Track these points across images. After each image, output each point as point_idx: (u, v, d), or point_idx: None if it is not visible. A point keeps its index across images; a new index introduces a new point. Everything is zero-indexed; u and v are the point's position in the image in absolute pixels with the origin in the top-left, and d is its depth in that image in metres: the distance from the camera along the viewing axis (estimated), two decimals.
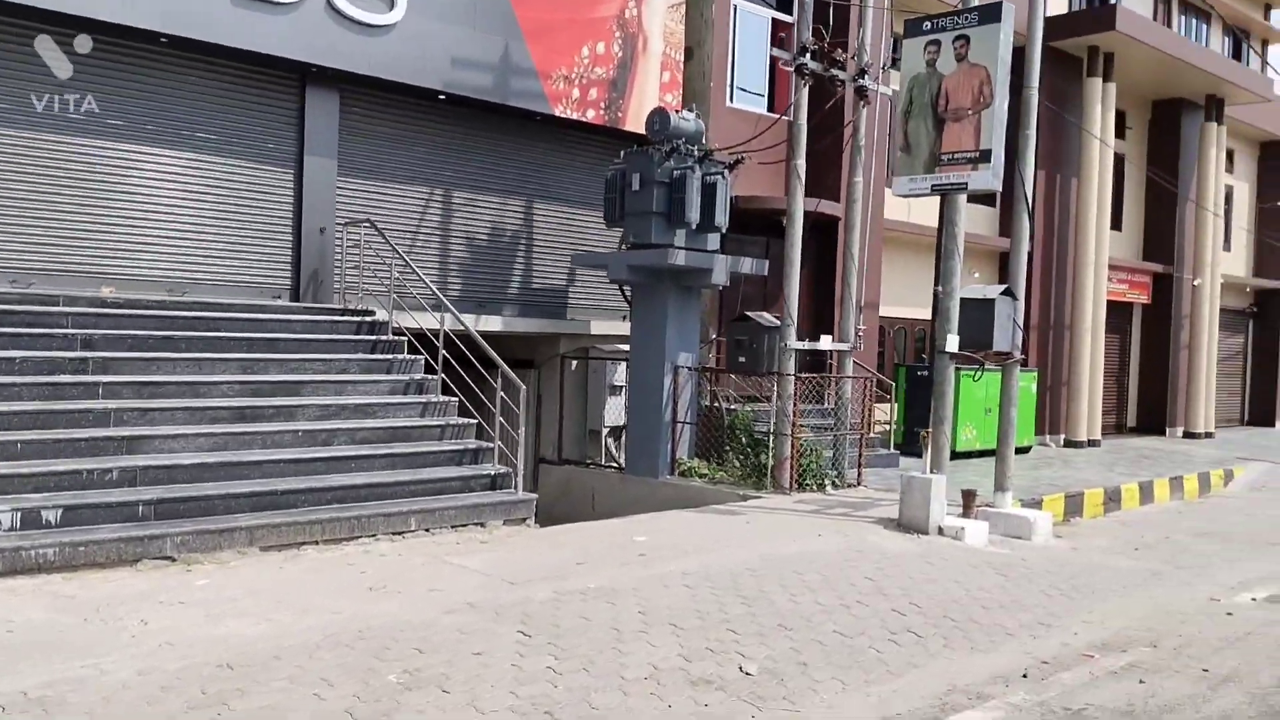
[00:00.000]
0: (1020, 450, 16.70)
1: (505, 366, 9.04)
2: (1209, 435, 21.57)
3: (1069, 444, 18.34)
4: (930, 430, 9.78)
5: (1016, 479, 13.50)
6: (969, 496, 10.15)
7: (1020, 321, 10.34)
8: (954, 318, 9.73)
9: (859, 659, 5.95)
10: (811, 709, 5.21)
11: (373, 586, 6.62)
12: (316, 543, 7.52)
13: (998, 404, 16.80)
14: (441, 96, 11.60)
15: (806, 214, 13.45)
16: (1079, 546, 10.10)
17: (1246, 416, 25.87)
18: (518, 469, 8.94)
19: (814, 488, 11.35)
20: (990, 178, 9.09)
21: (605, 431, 13.45)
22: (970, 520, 9.75)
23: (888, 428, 16.13)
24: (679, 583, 7.09)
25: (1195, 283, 21.55)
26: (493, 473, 8.94)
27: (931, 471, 9.66)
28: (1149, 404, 22.05)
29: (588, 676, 5.29)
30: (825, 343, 11.63)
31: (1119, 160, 21.24)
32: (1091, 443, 18.50)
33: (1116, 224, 21.46)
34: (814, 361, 14.31)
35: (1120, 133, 21.13)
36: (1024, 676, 5.87)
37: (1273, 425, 25.31)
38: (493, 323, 12.36)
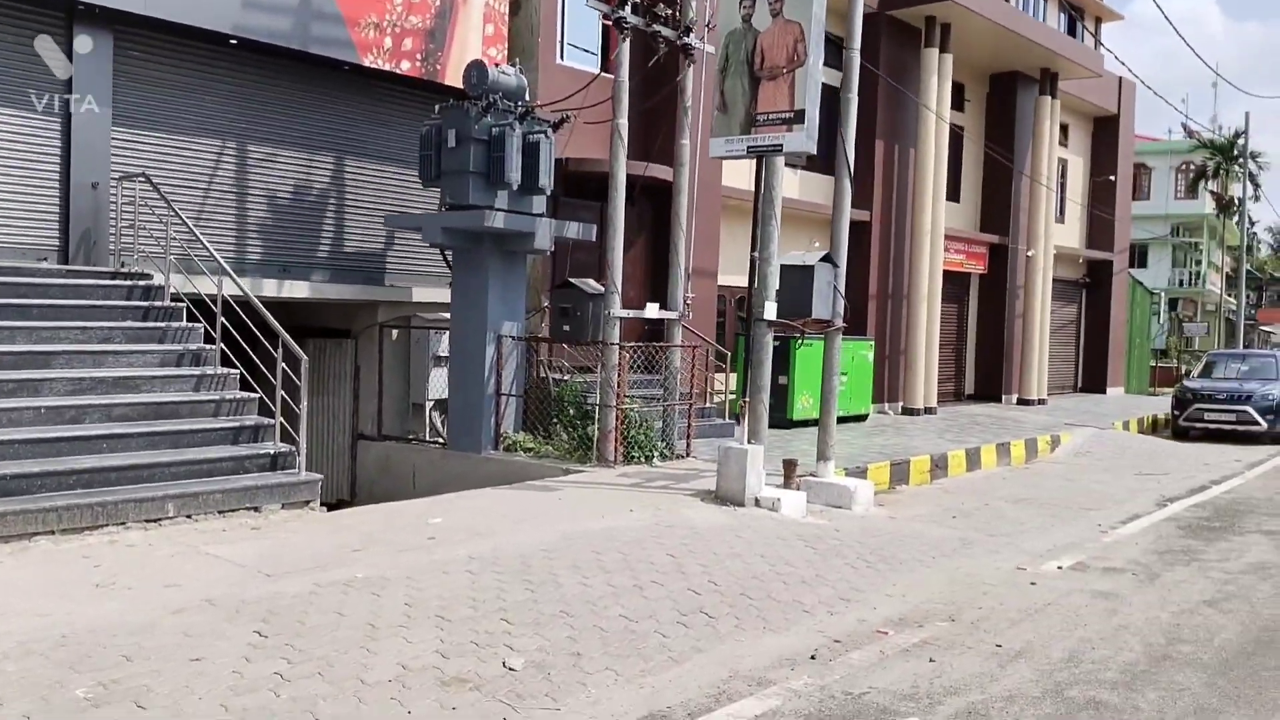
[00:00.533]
0: (858, 418, 16.78)
1: (285, 335, 8.24)
2: (1041, 402, 22.22)
3: (906, 412, 18.54)
4: (748, 399, 9.46)
5: (850, 446, 13.46)
6: (790, 466, 9.90)
7: (841, 289, 10.10)
8: (771, 284, 9.41)
9: (640, 646, 5.52)
10: (574, 706, 4.74)
11: (100, 583, 5.83)
12: (52, 533, 6.65)
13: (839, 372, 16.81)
14: (233, 41, 10.59)
15: (640, 178, 13.02)
16: (898, 515, 9.98)
17: (1080, 384, 26.86)
18: (300, 447, 8.17)
19: (641, 460, 10.96)
20: (805, 139, 8.75)
21: (430, 405, 12.75)
22: (789, 491, 9.49)
23: (728, 397, 15.96)
24: (461, 568, 6.53)
25: (1029, 254, 22.10)
26: (273, 452, 8.15)
27: (750, 442, 9.34)
28: (985, 372, 22.57)
29: (321, 682, 4.69)
30: (651, 311, 11.19)
31: (957, 132, 21.54)
32: (928, 410, 18.75)
33: (955, 195, 21.80)
34: (655, 332, 13.91)
35: (959, 105, 21.42)
36: (812, 658, 5.55)
37: (1104, 392, 26.33)
38: (299, 289, 11.47)
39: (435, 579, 6.26)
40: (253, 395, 8.62)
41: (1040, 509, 10.75)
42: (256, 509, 7.61)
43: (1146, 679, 5.41)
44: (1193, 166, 46.41)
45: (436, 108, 11.02)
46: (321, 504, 8.27)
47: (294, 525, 7.52)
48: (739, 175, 15.81)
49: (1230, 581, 7.67)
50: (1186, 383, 19.94)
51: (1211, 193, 44.34)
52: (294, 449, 8.19)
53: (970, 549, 8.52)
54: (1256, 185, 47.77)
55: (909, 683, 5.24)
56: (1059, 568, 7.97)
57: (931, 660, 5.60)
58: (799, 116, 8.72)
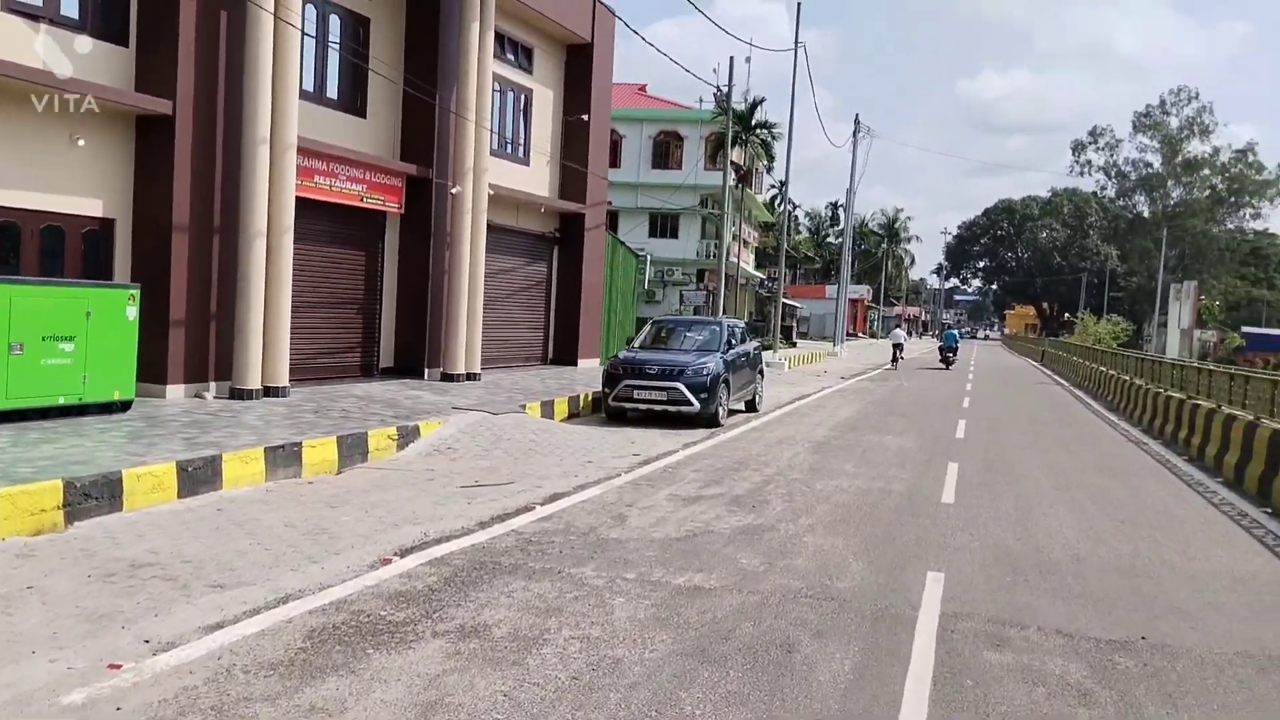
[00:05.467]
0: (109, 408, 10.90)
1: None
2: (472, 377, 17.77)
3: (237, 395, 13.03)
4: None
5: (48, 453, 7.64)
6: None
7: None
8: None
9: None
10: None
11: None
12: None
13: (36, 332, 10.62)
14: None
15: None
16: None
17: (550, 355, 23.06)
18: None
19: None
20: None
21: None
22: None
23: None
24: None
25: (454, 190, 17.43)
26: None
27: None
28: (407, 340, 17.72)
29: None
30: None
31: (363, 23, 16.38)
32: (273, 391, 13.39)
33: (360, 108, 16.66)
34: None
35: None
36: None
37: (575, 364, 22.72)
38: None
39: None
40: None
41: (110, 598, 5.55)
42: None
43: None
44: (716, 136, 45.77)
45: None
46: None
47: None
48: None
49: None
50: (621, 354, 16.25)
51: (732, 163, 43.75)
52: None
53: None
54: (771, 157, 48.43)
55: None
56: None
57: None
58: None
